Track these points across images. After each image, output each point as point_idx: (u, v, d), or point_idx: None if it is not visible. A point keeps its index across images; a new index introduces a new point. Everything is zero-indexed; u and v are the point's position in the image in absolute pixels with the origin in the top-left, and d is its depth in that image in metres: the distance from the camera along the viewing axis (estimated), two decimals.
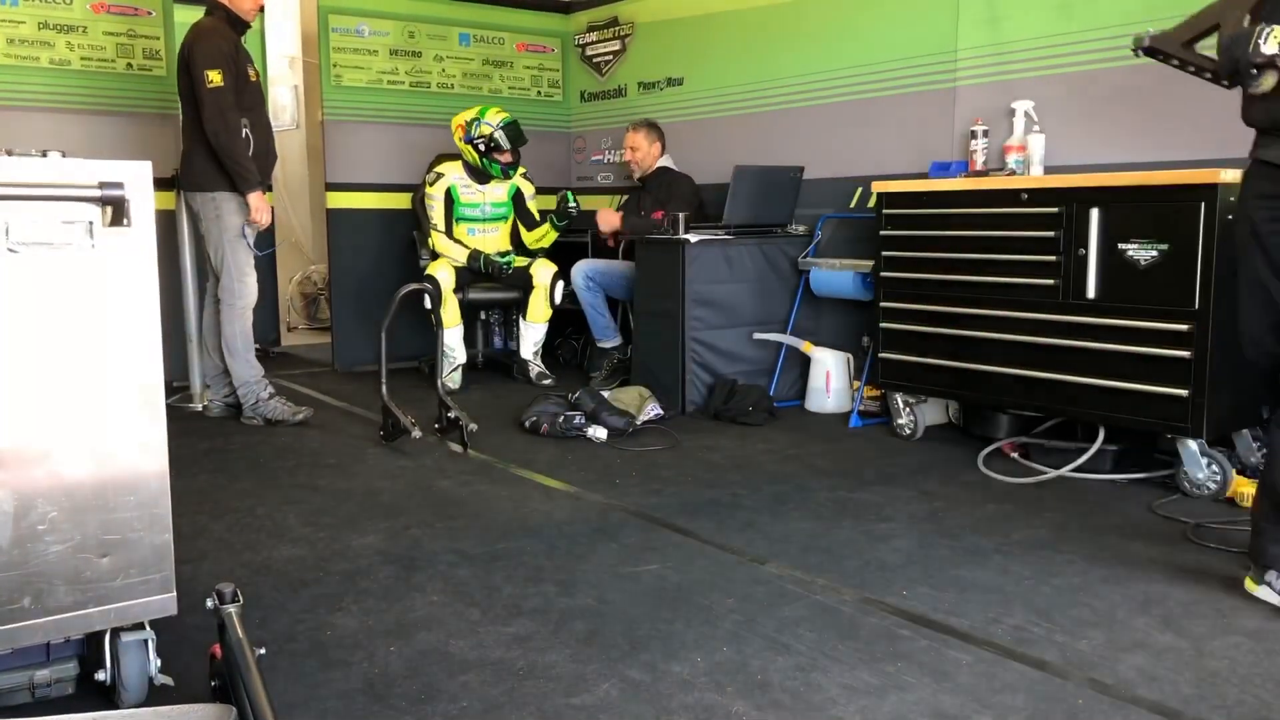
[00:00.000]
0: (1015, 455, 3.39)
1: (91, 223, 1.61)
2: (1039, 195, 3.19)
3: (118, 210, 1.60)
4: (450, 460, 3.46)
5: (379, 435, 3.69)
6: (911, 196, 3.59)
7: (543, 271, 4.87)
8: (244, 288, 3.96)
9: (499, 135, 4.75)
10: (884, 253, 3.68)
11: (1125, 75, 3.39)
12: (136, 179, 1.64)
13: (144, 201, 1.65)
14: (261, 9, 4.16)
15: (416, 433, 3.50)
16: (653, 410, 3.95)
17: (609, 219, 4.84)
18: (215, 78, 3.77)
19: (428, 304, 4.20)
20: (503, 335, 5.72)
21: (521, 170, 4.98)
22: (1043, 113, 3.61)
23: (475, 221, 4.91)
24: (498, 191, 4.93)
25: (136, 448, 1.66)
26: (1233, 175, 2.83)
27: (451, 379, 4.70)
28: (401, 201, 5.31)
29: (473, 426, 3.59)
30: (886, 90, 4.22)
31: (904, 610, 2.13)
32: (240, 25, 3.95)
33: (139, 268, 1.66)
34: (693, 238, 4.12)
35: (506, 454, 3.50)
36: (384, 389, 3.65)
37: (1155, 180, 2.92)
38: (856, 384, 4.18)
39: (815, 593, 2.23)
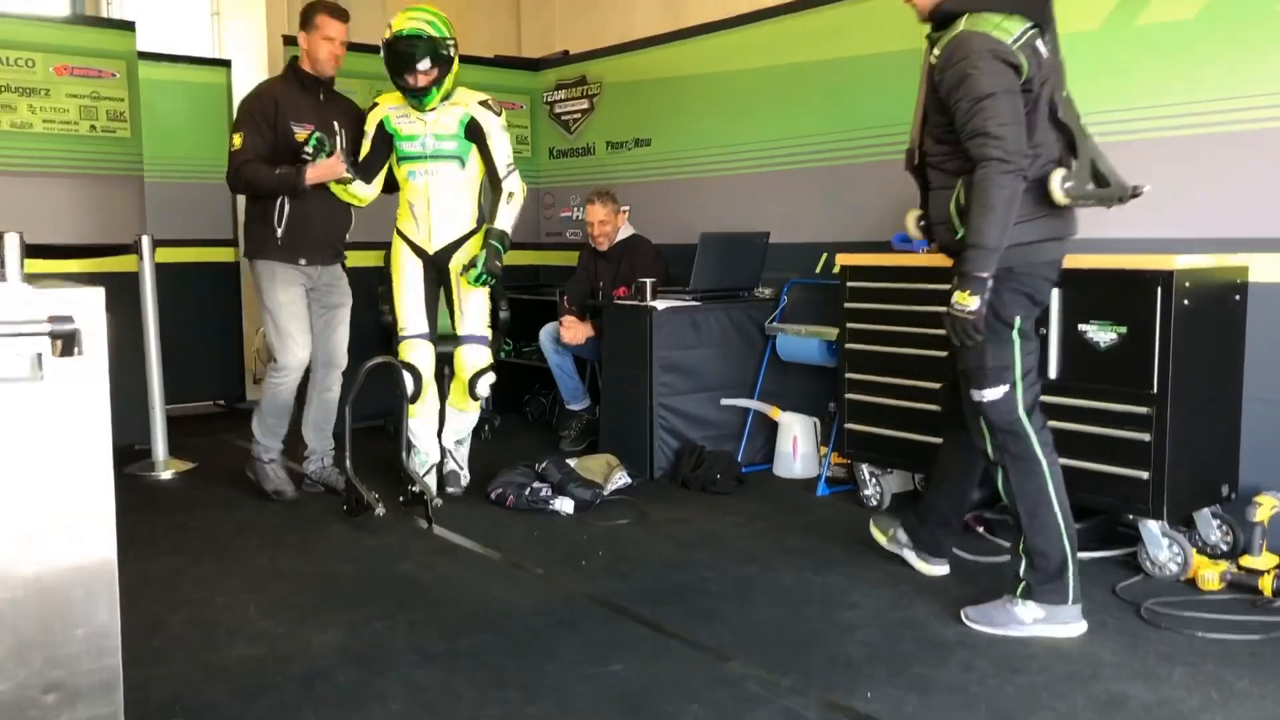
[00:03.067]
0: (980, 529, 3.40)
1: (40, 354, 1.58)
2: None
3: (68, 343, 1.57)
4: (414, 537, 3.42)
5: (343, 509, 3.65)
6: (874, 270, 3.62)
7: (467, 359, 3.84)
8: (284, 351, 3.77)
9: (400, 45, 3.56)
10: (848, 324, 3.70)
11: (1113, 148, 3.44)
12: (88, 308, 1.61)
13: (96, 328, 1.63)
14: (339, 60, 3.79)
15: (380, 510, 3.47)
16: (620, 479, 3.93)
17: (577, 332, 4.63)
18: (236, 140, 3.69)
19: (409, 385, 3.80)
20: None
21: (481, 98, 3.75)
22: None
23: (416, 160, 3.70)
24: (445, 120, 3.69)
25: (84, 579, 1.63)
26: (1188, 262, 2.88)
27: (427, 481, 3.81)
28: (373, 259, 5.27)
29: (437, 502, 3.57)
30: (852, 158, 4.27)
31: (869, 716, 2.12)
32: (311, 81, 3.77)
33: (90, 394, 1.63)
34: (660, 305, 4.13)
35: (472, 529, 3.47)
36: (348, 464, 3.61)
37: (1112, 264, 2.96)
38: (824, 449, 4.18)
39: (780, 696, 2.21)
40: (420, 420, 3.90)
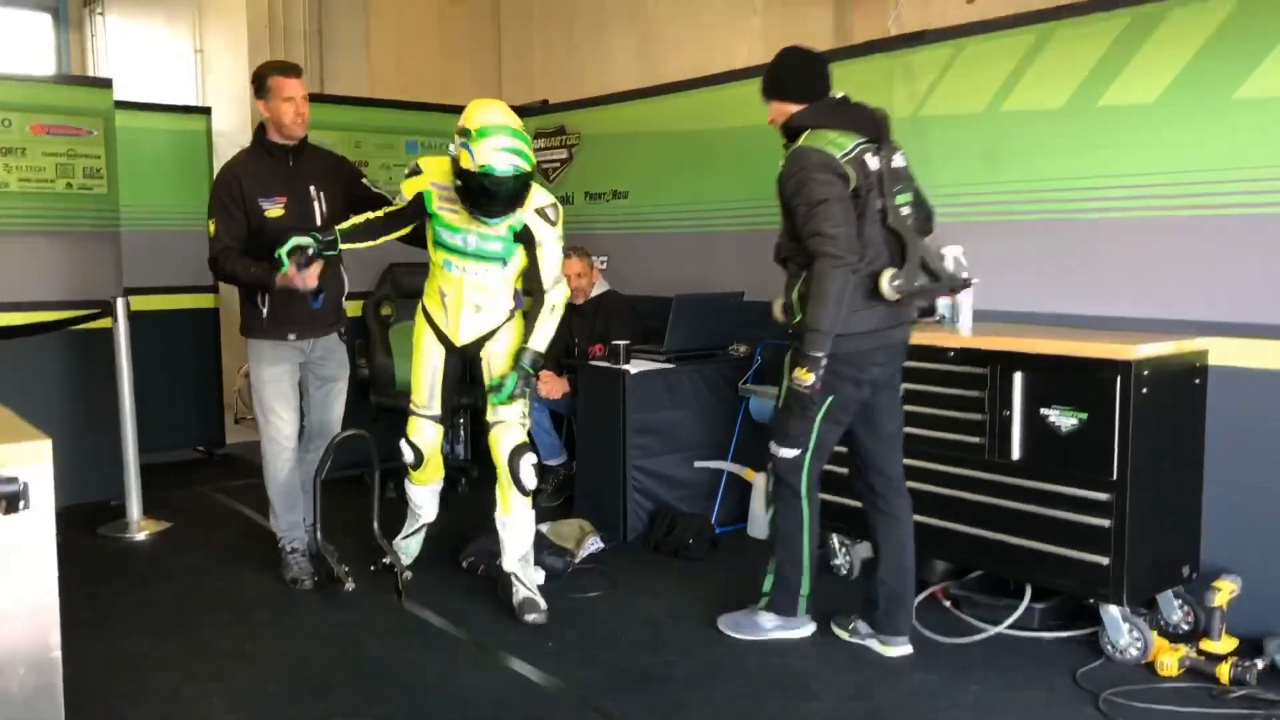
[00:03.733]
0: (948, 604, 3.43)
1: None
2: (965, 355, 3.25)
3: (12, 501, 1.59)
4: (384, 613, 3.43)
5: (314, 580, 3.65)
6: None
7: (502, 439, 3.41)
8: (268, 426, 3.68)
9: (488, 184, 3.09)
10: None
11: (1048, 229, 3.48)
12: (35, 466, 1.62)
13: (43, 483, 1.64)
14: (303, 120, 3.57)
15: (349, 585, 3.48)
16: (593, 545, 3.95)
17: (553, 387, 4.61)
18: (210, 227, 3.53)
19: (408, 456, 3.61)
20: (449, 439, 5.72)
21: (538, 204, 3.29)
22: (972, 259, 3.65)
23: (455, 253, 3.33)
24: (492, 223, 3.25)
25: None
26: (1146, 350, 2.91)
27: (409, 545, 3.82)
28: (351, 309, 5.28)
29: (407, 575, 3.58)
30: None
31: None
32: (279, 150, 3.57)
33: (37, 546, 1.65)
34: (633, 369, 4.15)
35: (442, 604, 3.48)
36: (318, 536, 3.62)
37: (1073, 351, 2.99)
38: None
39: None
40: (422, 487, 3.76)
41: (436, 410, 3.60)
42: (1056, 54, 3.41)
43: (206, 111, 5.97)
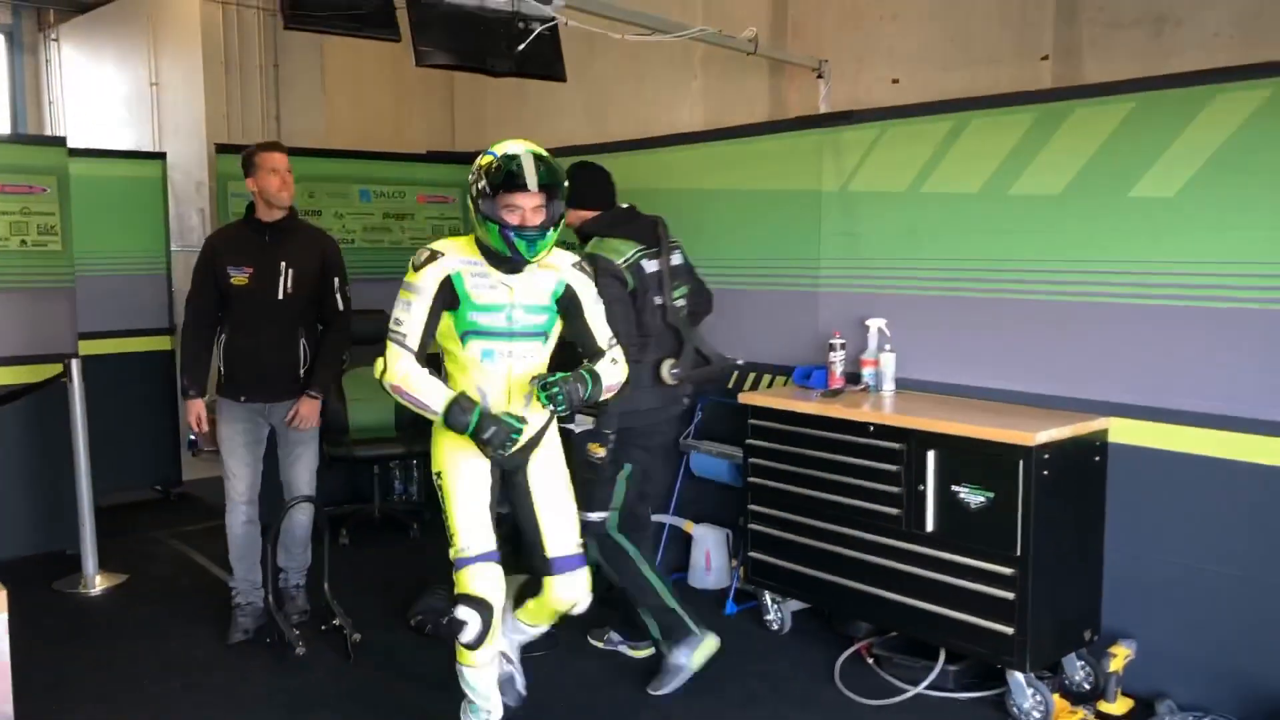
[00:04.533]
0: (870, 661, 3.62)
1: None
2: (883, 430, 3.44)
3: None
4: (334, 676, 3.56)
5: (266, 641, 3.78)
6: (773, 413, 3.83)
7: (562, 594, 2.97)
8: (227, 484, 3.88)
9: (516, 166, 2.67)
10: (750, 459, 3.91)
11: (964, 305, 3.68)
12: None
13: None
14: (287, 193, 3.82)
15: (300, 650, 3.62)
16: None
17: None
18: (190, 289, 3.91)
19: (472, 628, 2.80)
20: (402, 481, 5.85)
21: (572, 258, 2.93)
22: (895, 330, 3.87)
23: (495, 338, 2.79)
24: (536, 288, 2.83)
25: None
26: (1047, 435, 3.12)
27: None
28: None
29: (356, 637, 3.72)
30: (760, 284, 4.48)
31: None
32: (259, 224, 3.81)
33: None
34: (576, 427, 4.30)
35: (390, 665, 3.63)
36: (270, 599, 3.75)
37: (980, 434, 3.19)
38: (734, 562, 4.39)
39: None
40: (480, 671, 2.92)
41: (492, 543, 2.86)
42: (972, 142, 3.61)
43: (161, 156, 6.04)
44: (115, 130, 7.99)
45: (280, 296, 3.78)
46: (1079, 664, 3.35)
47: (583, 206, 3.52)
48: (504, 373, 2.83)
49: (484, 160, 2.72)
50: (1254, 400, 3.00)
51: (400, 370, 2.71)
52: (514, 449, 2.75)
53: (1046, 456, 3.09)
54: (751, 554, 3.95)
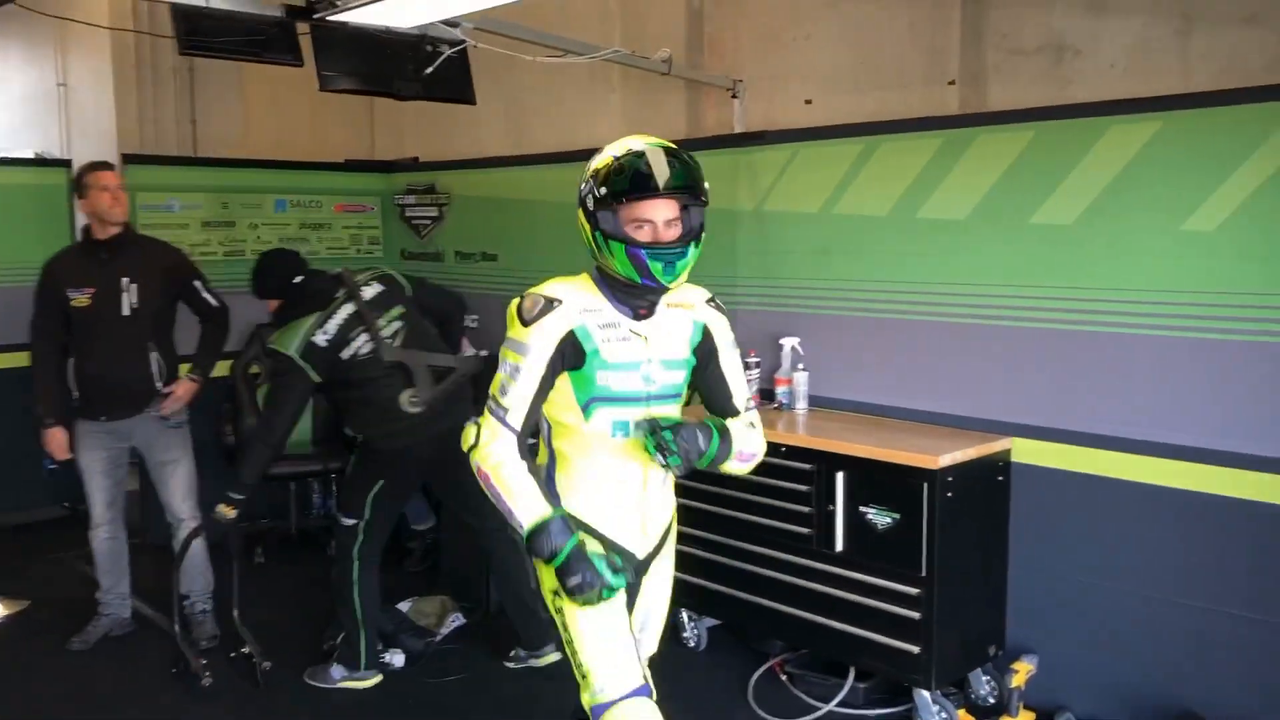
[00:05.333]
0: (784, 678, 3.66)
1: None
2: (794, 451, 3.48)
3: None
4: (239, 706, 3.50)
5: (171, 671, 3.69)
6: None
7: (654, 615, 2.47)
8: (90, 508, 3.99)
9: (645, 166, 2.05)
10: None
11: (875, 326, 3.74)
12: None
13: None
14: (119, 217, 3.85)
15: (207, 680, 3.55)
16: (455, 621, 4.07)
17: None
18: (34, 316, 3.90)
19: None
20: (322, 495, 5.75)
21: (705, 293, 2.32)
22: (808, 349, 3.91)
23: (630, 403, 2.17)
24: (673, 334, 2.24)
25: None
26: (950, 458, 3.19)
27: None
28: (220, 369, 5.28)
29: (266, 665, 3.65)
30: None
31: None
32: (93, 244, 3.85)
33: None
34: None
35: (299, 695, 3.57)
36: (176, 629, 3.67)
37: (886, 457, 3.25)
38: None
39: None
40: None
41: (639, 675, 2.19)
42: (882, 165, 3.67)
43: (67, 164, 5.85)
44: (20, 132, 7.71)
45: (125, 313, 3.81)
46: (984, 679, 3.42)
47: (269, 296, 3.70)
48: (640, 457, 2.16)
49: (599, 162, 2.08)
50: (1149, 423, 3.09)
51: (495, 456, 2.06)
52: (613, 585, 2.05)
53: (950, 479, 3.16)
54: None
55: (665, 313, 2.20)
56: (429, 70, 3.16)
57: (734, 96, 4.19)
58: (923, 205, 3.57)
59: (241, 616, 3.78)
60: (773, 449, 3.50)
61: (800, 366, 3.89)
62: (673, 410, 2.22)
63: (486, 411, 2.10)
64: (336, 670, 3.64)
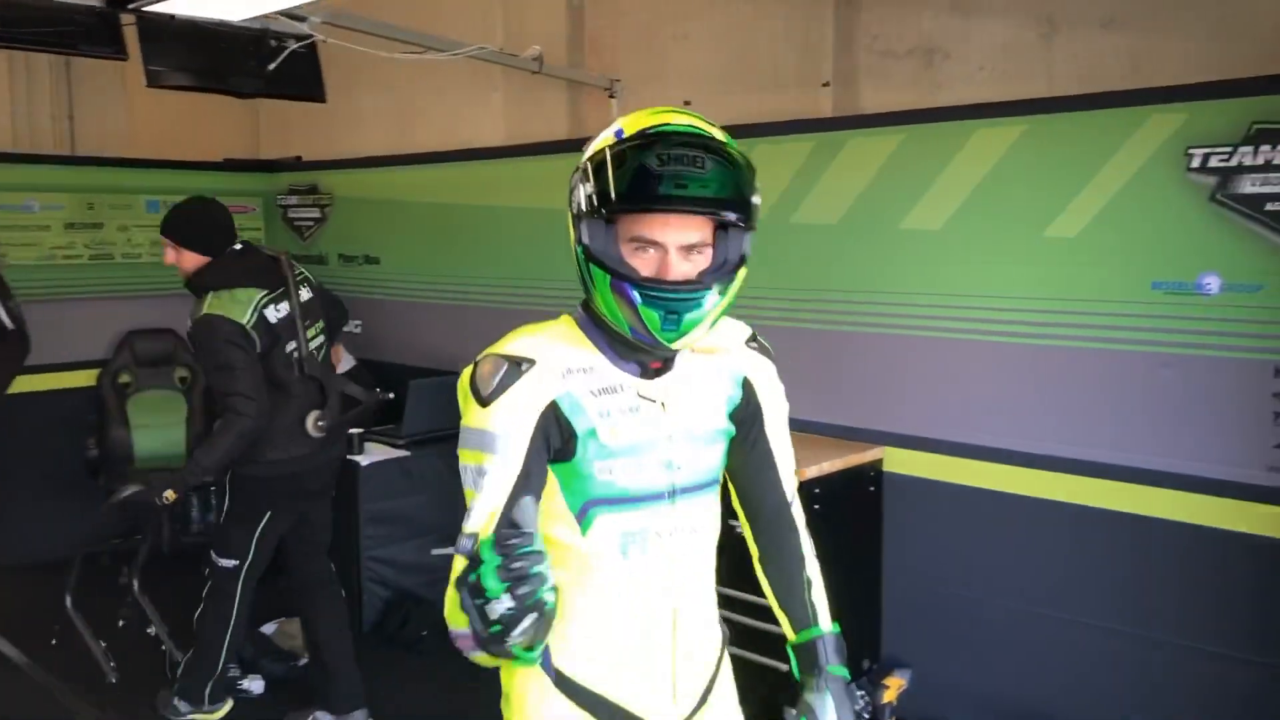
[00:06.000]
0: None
1: None
2: None
3: None
4: None
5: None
6: None
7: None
8: None
9: (661, 157, 1.33)
10: None
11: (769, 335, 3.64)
12: None
13: None
14: None
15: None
16: None
17: None
18: None
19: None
20: (200, 508, 5.50)
21: (745, 330, 1.67)
22: None
23: (646, 503, 1.47)
24: (701, 387, 1.54)
25: None
26: (817, 469, 3.11)
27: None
28: (82, 379, 5.02)
29: (111, 681, 3.45)
30: (563, 304, 4.35)
31: None
32: None
33: None
34: (365, 460, 4.11)
35: None
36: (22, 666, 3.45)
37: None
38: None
39: None
40: None
41: None
42: (756, 168, 3.57)
43: None
44: None
45: None
46: (859, 693, 3.35)
47: (192, 249, 3.14)
48: (666, 584, 1.49)
49: (598, 143, 1.41)
50: (1020, 434, 3.05)
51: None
52: None
53: (817, 490, 3.07)
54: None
55: (689, 363, 1.50)
56: (272, 66, 2.98)
57: (611, 96, 4.08)
58: (796, 210, 3.49)
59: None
60: None
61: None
62: (707, 510, 1.54)
63: (455, 554, 1.38)
64: (182, 703, 3.38)
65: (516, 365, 1.42)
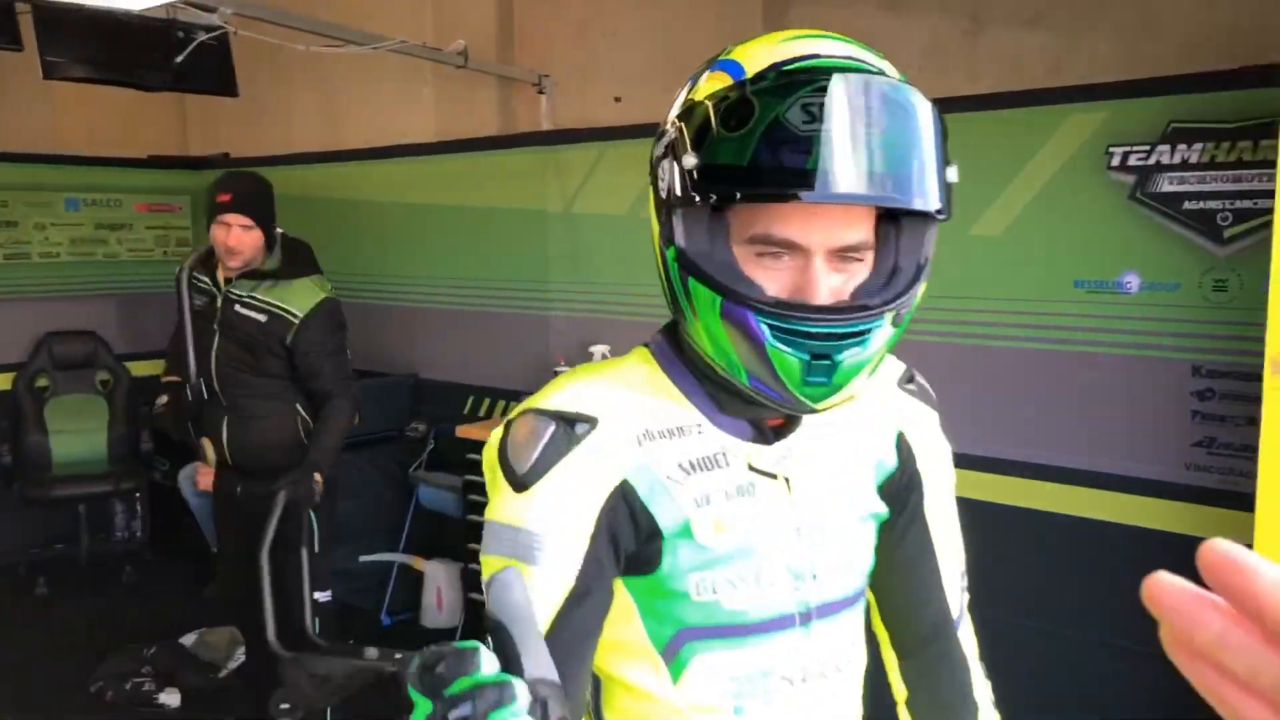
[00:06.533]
0: None
1: None
2: None
3: None
4: None
5: None
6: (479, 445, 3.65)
7: None
8: None
9: (800, 107, 0.81)
10: (469, 495, 3.73)
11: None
12: None
13: None
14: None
15: None
16: (241, 656, 3.77)
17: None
18: None
19: None
20: (125, 517, 5.33)
21: (899, 368, 1.12)
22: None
23: (768, 636, 0.98)
24: (842, 452, 1.03)
25: None
26: None
27: None
28: (0, 383, 4.85)
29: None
30: (493, 306, 4.29)
31: None
32: None
33: None
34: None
35: None
36: None
37: None
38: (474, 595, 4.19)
39: None
40: None
41: None
42: None
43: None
44: None
45: None
46: None
47: (264, 228, 2.84)
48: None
49: (704, 88, 0.93)
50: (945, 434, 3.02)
51: None
52: None
53: None
54: (473, 594, 3.76)
55: (820, 415, 0.96)
56: (179, 58, 2.87)
57: (540, 92, 4.01)
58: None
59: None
60: None
61: None
62: (852, 637, 1.05)
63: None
64: None
65: (569, 427, 0.93)
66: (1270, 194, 2.18)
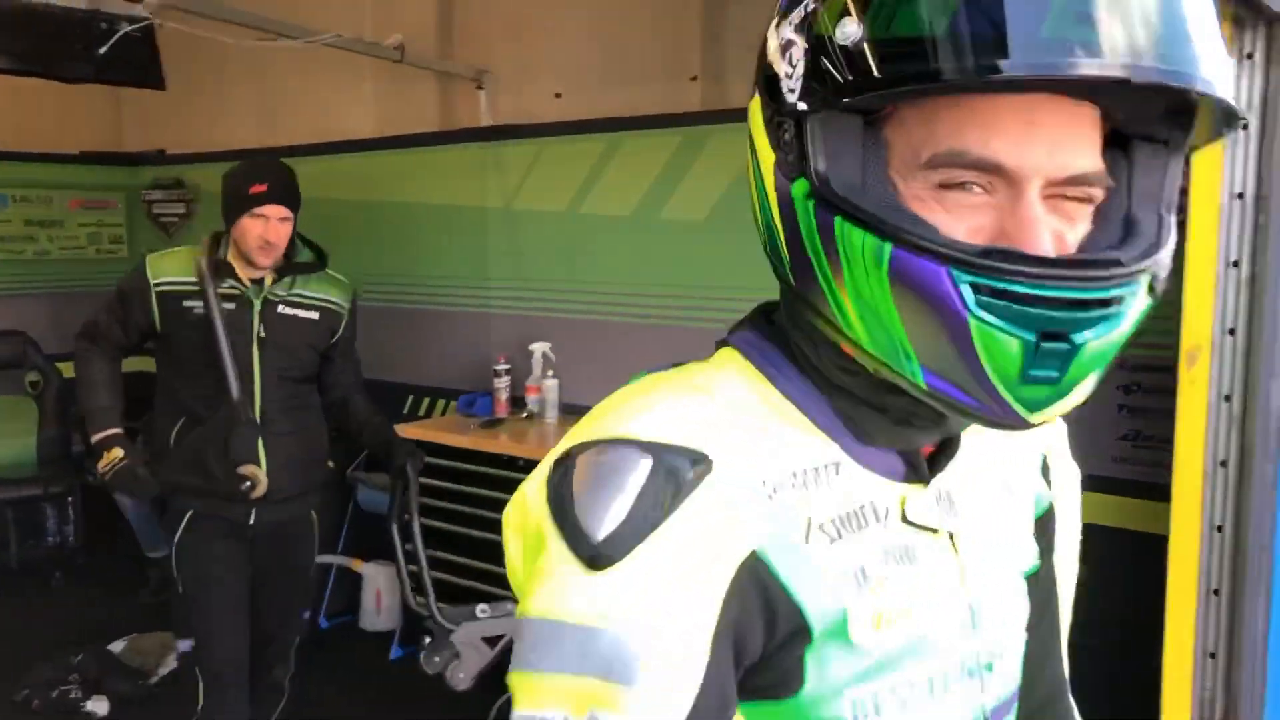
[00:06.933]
0: None
1: None
2: (530, 465, 3.28)
3: None
4: None
5: None
6: (433, 447, 3.61)
7: None
8: None
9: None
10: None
11: (622, 329, 3.59)
12: None
13: None
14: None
15: None
16: (172, 663, 3.70)
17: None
18: None
19: None
20: (57, 521, 5.21)
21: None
22: (559, 354, 3.74)
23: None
24: (996, 485, 0.76)
25: None
26: None
27: None
28: None
29: None
30: (433, 303, 4.24)
31: None
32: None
33: None
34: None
35: None
36: None
37: None
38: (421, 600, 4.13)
39: None
40: None
41: None
42: (626, 163, 3.53)
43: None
44: None
45: None
46: None
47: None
48: None
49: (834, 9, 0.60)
50: None
51: None
52: None
53: None
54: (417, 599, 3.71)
55: (967, 439, 0.75)
56: (103, 50, 2.79)
57: (479, 88, 3.97)
58: (664, 205, 3.44)
59: None
60: (509, 463, 3.35)
61: (551, 374, 3.71)
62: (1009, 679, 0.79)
63: None
64: None
65: (674, 468, 0.63)
66: (1184, 191, 2.21)
